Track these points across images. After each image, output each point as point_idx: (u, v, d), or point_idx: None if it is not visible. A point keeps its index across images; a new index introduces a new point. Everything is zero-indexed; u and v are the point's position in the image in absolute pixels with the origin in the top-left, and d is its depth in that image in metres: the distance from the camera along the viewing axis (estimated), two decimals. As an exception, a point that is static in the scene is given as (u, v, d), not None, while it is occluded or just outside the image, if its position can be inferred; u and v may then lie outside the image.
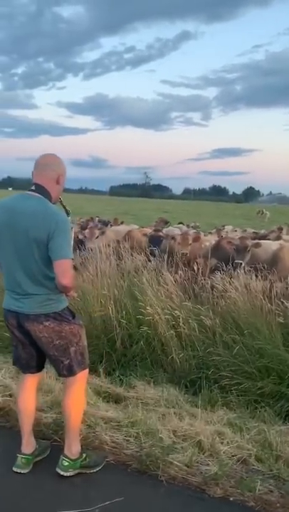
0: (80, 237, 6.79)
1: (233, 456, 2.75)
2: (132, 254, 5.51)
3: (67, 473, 2.45)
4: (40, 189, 2.38)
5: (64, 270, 2.24)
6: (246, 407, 3.65)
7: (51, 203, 2.39)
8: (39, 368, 2.61)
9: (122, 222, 9.60)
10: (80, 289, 4.88)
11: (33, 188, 2.40)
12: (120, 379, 4.01)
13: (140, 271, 5.13)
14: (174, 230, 8.35)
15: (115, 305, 4.62)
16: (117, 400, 3.58)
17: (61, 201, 2.63)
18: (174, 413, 3.30)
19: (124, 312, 4.64)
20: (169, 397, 3.58)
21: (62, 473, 2.44)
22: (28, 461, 2.52)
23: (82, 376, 2.53)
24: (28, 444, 2.55)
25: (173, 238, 6.39)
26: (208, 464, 2.57)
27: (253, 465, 2.68)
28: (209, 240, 6.52)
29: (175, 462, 2.53)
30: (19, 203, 2.35)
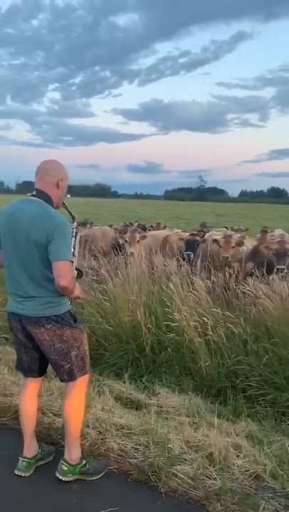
0: (121, 241, 6.83)
1: (246, 471, 2.63)
2: (164, 260, 5.46)
3: (66, 478, 2.45)
4: (41, 194, 2.43)
5: (62, 272, 2.26)
6: (273, 420, 3.50)
7: (52, 208, 2.43)
8: (41, 372, 2.64)
9: (164, 227, 9.52)
10: (111, 294, 4.94)
11: (34, 193, 2.46)
12: (145, 385, 3.98)
13: (171, 276, 5.09)
14: (216, 234, 8.18)
15: (145, 310, 4.60)
16: (138, 406, 3.55)
17: (65, 206, 2.67)
18: (193, 422, 3.22)
19: (153, 318, 4.61)
20: (190, 406, 3.49)
21: (60, 477, 2.45)
22: (29, 464, 2.55)
23: (83, 381, 2.53)
24: (30, 448, 2.59)
25: (215, 241, 6.25)
26: (215, 478, 2.47)
27: (267, 482, 2.54)
28: (246, 245, 6.31)
29: (179, 474, 2.46)
30: (20, 208, 2.41)
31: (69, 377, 2.49)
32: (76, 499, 2.29)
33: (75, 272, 2.67)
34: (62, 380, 2.56)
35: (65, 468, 2.47)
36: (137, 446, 2.75)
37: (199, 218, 22.68)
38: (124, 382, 3.97)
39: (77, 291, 2.54)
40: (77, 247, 2.73)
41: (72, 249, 2.65)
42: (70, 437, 2.50)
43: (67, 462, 2.48)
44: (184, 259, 5.84)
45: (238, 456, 2.81)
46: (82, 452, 2.56)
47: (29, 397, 2.62)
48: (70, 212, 2.77)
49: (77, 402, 2.52)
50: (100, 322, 4.78)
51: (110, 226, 8.88)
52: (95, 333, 4.78)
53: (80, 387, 2.51)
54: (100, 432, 2.88)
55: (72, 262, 2.61)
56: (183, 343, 4.33)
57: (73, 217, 2.82)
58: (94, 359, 4.64)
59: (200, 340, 4.22)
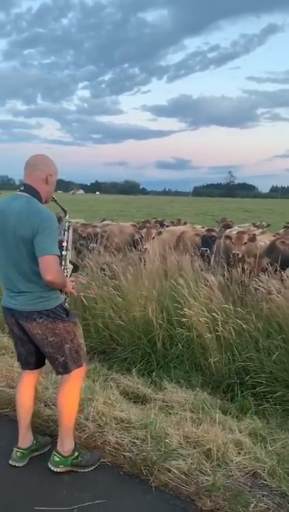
0: (137, 237, 6.83)
1: (243, 468, 2.59)
2: (177, 255, 5.43)
3: (58, 469, 2.48)
4: (29, 189, 2.44)
5: (48, 266, 2.27)
6: (280, 417, 3.45)
7: (40, 202, 2.43)
8: (38, 365, 2.67)
9: (185, 223, 9.47)
10: (123, 289, 4.96)
11: (22, 188, 2.47)
12: (153, 380, 3.99)
13: (184, 272, 5.06)
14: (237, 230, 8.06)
15: (156, 306, 4.60)
16: (143, 401, 3.56)
17: (56, 201, 2.68)
18: (197, 418, 3.20)
19: (164, 313, 4.61)
20: (195, 402, 3.47)
21: (52, 468, 2.49)
22: (23, 455, 2.59)
23: (78, 374, 2.55)
24: (25, 439, 2.63)
25: (228, 238, 6.18)
26: (209, 474, 2.44)
27: (264, 480, 2.50)
28: (264, 240, 6.20)
29: (172, 469, 2.44)
30: (9, 204, 2.42)
31: (64, 369, 2.51)
32: (65, 490, 2.31)
33: (71, 266, 2.69)
34: (57, 373, 2.59)
35: (57, 459, 2.50)
36: (135, 440, 2.75)
37: (227, 214, 22.45)
38: (132, 376, 3.99)
39: (69, 285, 2.55)
40: (70, 240, 2.72)
41: (65, 243, 2.67)
42: (63, 429, 2.53)
43: (59, 453, 2.51)
44: (201, 255, 5.81)
45: (239, 453, 2.77)
46: (75, 444, 2.58)
47: (26, 389, 2.66)
48: (61, 207, 2.78)
49: (72, 395, 2.54)
50: (112, 317, 4.81)
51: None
52: (108, 327, 4.82)
53: (74, 379, 2.53)
54: (99, 425, 2.89)
55: (63, 256, 2.63)
56: (194, 339, 4.32)
57: (65, 212, 2.83)
58: (106, 353, 4.69)
59: (210, 336, 4.19)
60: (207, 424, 3.04)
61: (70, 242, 2.71)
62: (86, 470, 2.53)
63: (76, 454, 2.54)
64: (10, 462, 2.55)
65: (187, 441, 2.78)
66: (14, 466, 2.54)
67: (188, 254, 5.35)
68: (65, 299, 2.61)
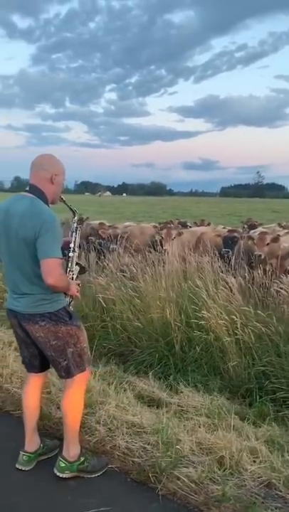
0: (157, 238, 6.78)
1: (258, 477, 2.48)
2: (200, 256, 5.33)
3: (63, 475, 2.44)
4: (34, 189, 2.39)
5: (49, 269, 2.22)
6: (301, 425, 3.31)
7: (45, 203, 2.38)
8: (42, 368, 2.62)
9: (208, 224, 9.35)
10: (141, 291, 4.91)
11: (27, 188, 2.43)
12: (170, 384, 3.91)
13: (204, 273, 4.96)
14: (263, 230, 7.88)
15: (174, 308, 4.53)
16: (158, 405, 3.49)
17: (64, 201, 2.63)
18: (212, 424, 3.11)
19: (182, 315, 4.53)
20: (212, 407, 3.38)
21: (58, 474, 2.45)
22: (29, 458, 2.56)
23: (81, 378, 2.50)
24: (31, 442, 2.60)
25: (250, 238, 6.04)
26: (220, 483, 2.35)
27: (279, 491, 2.39)
28: (288, 241, 6.02)
29: (182, 477, 2.36)
30: (13, 204, 2.37)
31: (66, 374, 2.46)
32: (71, 496, 2.27)
33: (77, 268, 2.64)
34: (60, 377, 2.55)
35: (63, 465, 2.46)
36: (145, 446, 2.68)
37: (254, 215, 22.14)
38: (148, 379, 3.92)
39: (74, 288, 2.50)
40: (77, 242, 2.68)
41: (72, 245, 2.62)
42: (68, 434, 2.48)
43: (64, 459, 2.47)
44: (222, 257, 5.69)
45: (254, 461, 2.67)
46: (81, 449, 2.54)
47: (31, 392, 2.63)
48: (70, 208, 2.73)
49: (76, 399, 2.49)
50: (130, 319, 4.76)
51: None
52: (126, 329, 4.77)
53: (78, 384, 2.48)
54: (110, 429, 2.84)
55: (70, 257, 2.58)
56: (212, 342, 4.22)
57: (74, 213, 2.77)
58: (124, 355, 4.64)
59: (228, 339, 4.08)
60: (222, 430, 2.94)
61: (77, 244, 2.67)
62: (92, 476, 2.48)
63: (82, 459, 2.49)
64: (16, 466, 2.53)
65: (200, 448, 2.70)
66: (21, 469, 2.51)
67: (208, 255, 5.24)
68: (70, 302, 2.55)
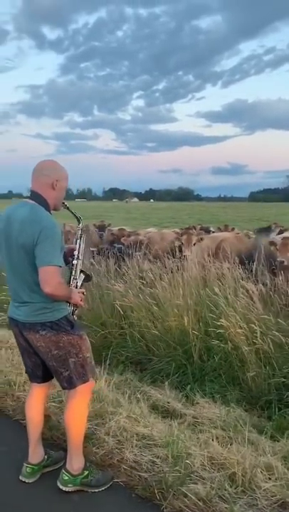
0: (177, 244, 6.68)
1: (272, 496, 2.35)
2: (220, 262, 5.21)
3: (66, 489, 2.37)
4: (35, 195, 2.36)
5: (47, 277, 2.18)
6: None
7: (46, 210, 2.34)
8: (45, 378, 2.56)
9: (232, 229, 9.18)
10: (158, 298, 4.83)
11: (29, 195, 2.40)
12: (186, 394, 3.81)
13: (218, 280, 4.85)
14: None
15: (192, 316, 4.43)
16: (173, 416, 3.40)
17: (68, 207, 2.58)
18: (228, 437, 3.00)
19: (201, 324, 4.42)
20: (228, 419, 3.26)
21: (61, 487, 2.38)
22: (33, 471, 2.51)
23: (85, 389, 2.43)
24: (35, 454, 2.54)
25: (272, 244, 5.88)
26: (230, 502, 2.23)
27: (295, 511, 2.25)
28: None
29: (189, 494, 2.25)
30: (14, 211, 2.35)
31: (68, 384, 2.40)
32: (73, 510, 2.20)
33: (81, 276, 2.58)
34: (63, 388, 2.48)
35: (66, 478, 2.39)
36: (155, 459, 2.58)
37: (282, 220, 21.69)
38: (164, 389, 3.84)
39: (76, 297, 2.44)
40: (82, 249, 2.63)
41: (76, 252, 2.57)
42: (71, 446, 2.42)
43: (68, 472, 2.40)
44: (241, 263, 5.54)
45: (269, 478, 2.54)
46: (85, 463, 2.47)
47: (34, 403, 2.58)
48: (74, 214, 2.68)
49: (79, 410, 2.42)
50: (148, 326, 4.69)
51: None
52: (144, 337, 4.70)
53: (81, 395, 2.41)
54: (119, 441, 2.75)
55: (73, 265, 2.53)
56: (231, 351, 4.10)
57: (78, 220, 2.72)
58: (142, 364, 4.57)
59: (247, 348, 3.95)
60: (237, 444, 2.82)
61: (81, 251, 2.61)
62: (96, 490, 2.40)
63: (86, 472, 2.42)
64: (20, 478, 2.48)
65: (212, 463, 2.58)
66: (24, 482, 2.47)
67: (228, 261, 5.11)
68: (74, 311, 2.49)
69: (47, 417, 2.90)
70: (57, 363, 2.36)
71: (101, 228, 9.05)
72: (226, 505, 2.21)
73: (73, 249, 2.60)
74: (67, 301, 2.42)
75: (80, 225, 2.72)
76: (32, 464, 2.53)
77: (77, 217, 2.71)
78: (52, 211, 2.42)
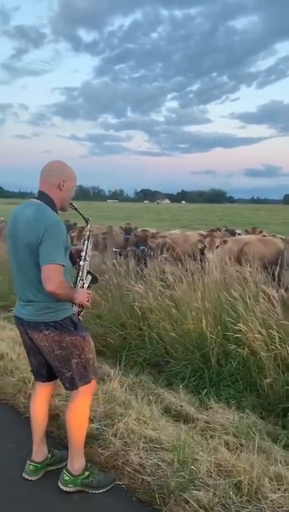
0: (200, 246, 6.62)
1: (279, 507, 2.28)
2: (240, 266, 5.13)
3: (67, 489, 2.37)
4: (42, 195, 2.37)
5: (49, 275, 2.18)
6: None
7: (53, 209, 2.34)
8: (50, 377, 2.56)
9: (260, 232, 9.02)
10: (177, 301, 4.80)
11: (36, 195, 2.41)
12: (201, 398, 3.76)
13: (244, 284, 4.76)
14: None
15: (210, 319, 4.37)
16: (185, 420, 3.36)
17: (76, 208, 2.58)
18: (239, 444, 2.93)
19: (219, 327, 4.36)
20: (240, 426, 3.19)
21: (62, 487, 2.38)
22: (36, 468, 2.52)
23: (87, 390, 2.42)
24: (38, 453, 2.56)
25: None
26: (233, 511, 2.17)
27: (302, 524, 2.18)
28: None
29: (191, 501, 2.21)
30: (21, 211, 2.37)
31: (70, 385, 2.40)
32: (71, 510, 2.21)
33: (88, 277, 2.56)
34: (66, 388, 2.48)
35: (67, 478, 2.40)
36: (160, 463, 2.55)
37: None
38: (178, 392, 3.80)
39: (82, 297, 2.43)
40: (89, 250, 2.61)
41: (84, 253, 2.55)
42: (72, 447, 2.42)
43: (69, 472, 2.41)
44: (266, 267, 5.42)
45: (278, 488, 2.46)
46: (86, 463, 2.46)
47: (38, 402, 2.59)
48: (82, 216, 2.68)
49: (80, 412, 2.41)
50: (167, 328, 4.67)
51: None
52: (162, 339, 4.68)
53: (83, 396, 2.41)
54: (126, 443, 2.73)
55: (80, 266, 2.52)
56: (249, 357, 4.02)
57: (86, 221, 2.71)
58: (160, 366, 4.55)
59: (265, 354, 3.86)
60: (248, 452, 2.75)
61: (89, 253, 2.59)
62: (97, 491, 2.39)
63: (87, 473, 2.42)
64: (23, 475, 2.51)
65: (219, 470, 2.53)
66: (27, 479, 2.50)
67: (249, 265, 5.01)
68: (79, 312, 2.48)
69: (56, 416, 2.93)
70: (59, 363, 2.37)
71: (127, 231, 9.11)
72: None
73: (80, 251, 2.59)
74: (72, 302, 2.41)
75: (88, 226, 2.70)
76: (35, 462, 2.54)
77: (85, 219, 2.71)
78: (59, 211, 2.42)
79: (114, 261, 6.25)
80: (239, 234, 8.38)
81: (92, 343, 2.49)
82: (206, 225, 23.03)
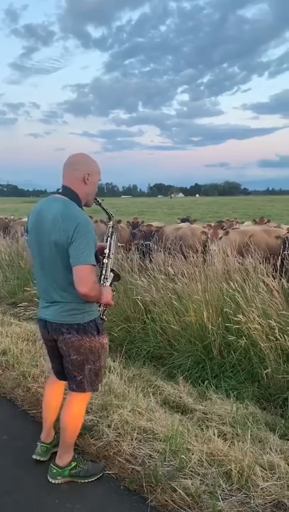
0: (203, 238, 6.61)
1: (268, 495, 2.28)
2: (241, 257, 5.10)
3: (56, 481, 2.40)
4: (66, 190, 2.26)
5: (82, 276, 2.08)
6: None
7: (78, 205, 2.24)
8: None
9: (268, 221, 8.93)
10: (179, 292, 4.80)
11: (60, 189, 2.31)
12: (200, 390, 3.77)
13: (245, 275, 4.75)
14: None
15: (211, 311, 4.37)
16: (183, 411, 3.37)
17: (99, 203, 2.49)
18: (235, 434, 2.94)
19: (221, 319, 4.36)
20: (238, 416, 3.20)
21: (51, 480, 2.41)
22: (47, 449, 2.59)
23: (87, 395, 2.44)
24: (49, 435, 2.63)
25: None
26: (220, 499, 2.18)
27: (290, 512, 2.17)
28: None
29: (179, 489, 2.23)
30: (45, 206, 2.25)
31: (78, 388, 2.35)
32: (59, 499, 2.23)
33: (111, 275, 2.48)
34: (70, 389, 2.41)
35: (54, 471, 2.42)
36: (152, 453, 2.57)
37: None
38: (178, 384, 3.82)
39: (109, 295, 2.35)
40: (112, 247, 2.52)
41: (107, 251, 2.49)
42: (63, 444, 2.42)
43: (56, 465, 2.43)
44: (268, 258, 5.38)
45: (271, 477, 2.46)
46: (74, 454, 2.49)
47: (54, 389, 2.60)
48: (106, 211, 2.57)
49: (77, 411, 2.41)
50: (169, 321, 4.68)
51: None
52: (165, 332, 4.70)
53: (83, 401, 2.41)
54: (119, 434, 2.76)
55: (104, 263, 2.46)
56: (250, 347, 4.02)
57: (110, 216, 2.60)
58: (163, 358, 4.57)
59: (265, 345, 3.85)
60: (243, 442, 2.76)
61: (112, 250, 2.52)
62: (86, 481, 2.42)
63: (73, 464, 2.44)
64: (33, 457, 2.58)
65: (211, 459, 2.54)
66: (36, 460, 2.58)
67: (251, 256, 4.98)
68: (104, 311, 2.44)
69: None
70: (72, 367, 2.32)
71: (134, 225, 9.07)
72: (216, 502, 2.15)
73: (104, 248, 2.50)
74: (99, 302, 2.34)
75: (111, 222, 2.61)
76: (46, 443, 2.61)
77: (108, 214, 2.60)
78: (84, 207, 2.33)
79: (118, 255, 6.29)
80: (243, 222, 8.28)
81: (108, 351, 2.45)
82: (219, 218, 22.86)
